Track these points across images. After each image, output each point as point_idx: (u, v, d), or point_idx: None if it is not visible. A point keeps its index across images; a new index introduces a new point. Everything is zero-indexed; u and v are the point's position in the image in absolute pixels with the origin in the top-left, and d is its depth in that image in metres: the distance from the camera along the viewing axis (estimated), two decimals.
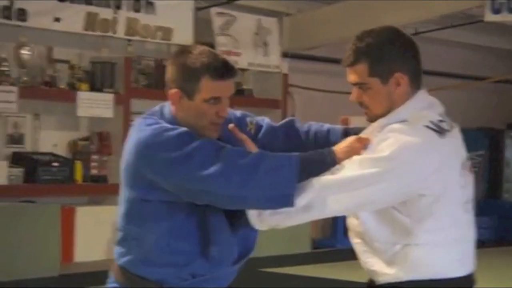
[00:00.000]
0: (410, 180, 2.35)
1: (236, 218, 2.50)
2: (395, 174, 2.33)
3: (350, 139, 2.46)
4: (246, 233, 2.57)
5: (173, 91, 2.52)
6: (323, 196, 2.36)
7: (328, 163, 2.39)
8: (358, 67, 2.47)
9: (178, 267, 2.50)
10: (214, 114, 2.50)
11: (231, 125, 2.61)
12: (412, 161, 2.34)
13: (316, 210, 2.38)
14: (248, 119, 2.74)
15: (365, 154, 2.39)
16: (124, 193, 2.56)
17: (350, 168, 2.36)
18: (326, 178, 2.37)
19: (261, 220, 2.43)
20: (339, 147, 2.44)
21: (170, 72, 2.54)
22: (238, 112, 2.75)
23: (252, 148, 2.54)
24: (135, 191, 2.49)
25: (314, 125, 2.77)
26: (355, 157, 2.39)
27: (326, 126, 2.76)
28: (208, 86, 2.47)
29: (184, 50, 2.55)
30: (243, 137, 2.58)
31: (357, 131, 2.65)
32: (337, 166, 2.38)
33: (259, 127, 2.74)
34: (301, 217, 2.40)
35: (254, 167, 2.35)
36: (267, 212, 2.40)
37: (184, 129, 2.45)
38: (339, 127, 2.77)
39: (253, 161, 2.37)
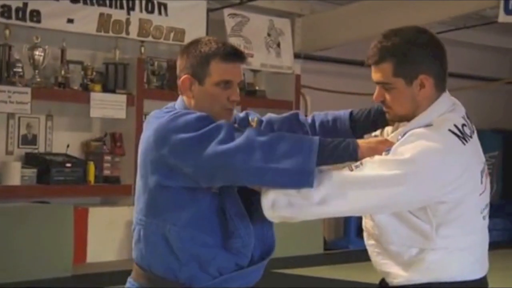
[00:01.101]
0: (430, 185, 2.32)
1: (253, 211, 2.49)
2: (415, 178, 2.30)
3: (377, 139, 2.45)
4: (264, 233, 2.57)
5: (183, 77, 2.54)
6: (340, 191, 2.31)
7: (349, 152, 2.36)
8: (382, 66, 2.43)
9: (203, 262, 2.48)
10: (225, 99, 2.52)
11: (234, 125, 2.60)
12: (433, 167, 2.31)
13: (331, 205, 2.33)
14: (250, 117, 2.72)
15: (386, 156, 2.35)
16: (143, 184, 2.53)
17: (370, 167, 2.32)
18: (345, 173, 2.33)
19: (274, 211, 2.37)
20: (364, 142, 2.41)
21: (180, 62, 2.58)
22: (241, 113, 2.75)
23: None
24: (155, 177, 2.47)
25: (318, 116, 2.74)
26: (377, 157, 2.34)
27: (331, 114, 2.72)
28: (218, 69, 2.50)
29: (193, 41, 2.60)
30: None
31: (376, 114, 2.63)
32: (357, 163, 2.34)
33: (260, 122, 2.72)
34: (315, 211, 2.35)
35: (274, 143, 2.35)
36: (281, 203, 2.36)
37: (202, 113, 2.46)
38: (344, 112, 2.71)
39: (274, 137, 2.37)
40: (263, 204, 2.39)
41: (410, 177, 2.29)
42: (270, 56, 9.49)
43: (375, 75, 2.46)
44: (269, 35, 9.52)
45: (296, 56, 9.83)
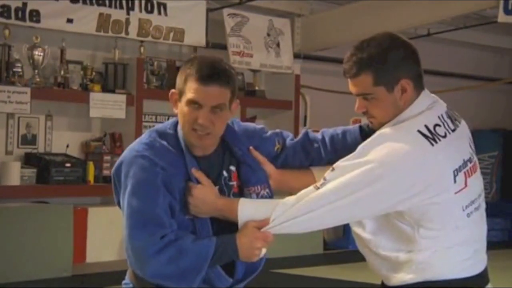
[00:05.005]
0: (395, 188, 2.33)
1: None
2: (381, 180, 2.32)
3: (248, 227, 2.48)
4: None
5: (172, 90, 2.58)
6: (310, 212, 2.40)
7: (230, 253, 2.46)
8: (361, 78, 2.45)
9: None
10: (193, 119, 2.50)
11: (251, 148, 2.63)
12: (397, 169, 2.33)
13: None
14: (276, 140, 2.72)
15: (351, 158, 2.39)
16: None
17: (336, 178, 2.37)
18: (312, 193, 2.40)
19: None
20: (241, 234, 2.47)
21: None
22: (269, 132, 2.73)
23: (270, 169, 2.62)
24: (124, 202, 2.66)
25: (327, 131, 2.74)
26: (340, 165, 2.39)
27: (340, 129, 2.73)
28: (190, 88, 2.49)
29: (192, 57, 2.62)
30: (262, 160, 2.63)
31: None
32: (321, 181, 2.40)
33: (283, 145, 2.73)
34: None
35: (174, 258, 2.42)
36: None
37: (153, 176, 2.49)
38: (354, 126, 2.72)
39: (177, 254, 2.43)
40: None
41: (376, 179, 2.32)
42: (269, 56, 9.48)
43: (354, 88, 2.48)
44: (268, 35, 9.51)
45: (296, 56, 9.83)
